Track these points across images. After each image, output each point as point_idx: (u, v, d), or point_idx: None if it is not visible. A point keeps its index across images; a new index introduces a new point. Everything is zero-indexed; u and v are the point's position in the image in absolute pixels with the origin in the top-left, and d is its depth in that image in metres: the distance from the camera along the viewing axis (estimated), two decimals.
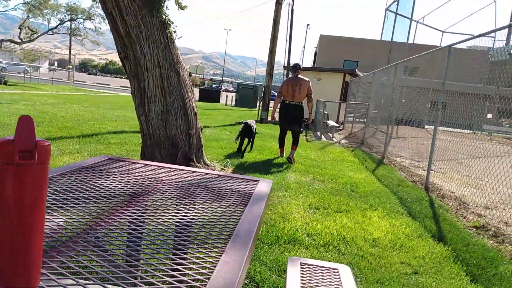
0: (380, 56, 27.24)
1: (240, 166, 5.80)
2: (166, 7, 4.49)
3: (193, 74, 33.88)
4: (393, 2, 24.13)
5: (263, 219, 3.62)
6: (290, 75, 7.07)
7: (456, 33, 25.10)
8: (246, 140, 7.10)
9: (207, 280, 0.79)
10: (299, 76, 6.74)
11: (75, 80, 30.38)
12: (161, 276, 0.81)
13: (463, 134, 10.03)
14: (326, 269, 1.73)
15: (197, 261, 0.89)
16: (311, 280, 1.61)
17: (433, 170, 7.22)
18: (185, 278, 0.80)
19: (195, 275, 0.82)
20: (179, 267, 0.85)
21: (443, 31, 26.51)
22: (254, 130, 7.12)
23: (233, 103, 26.24)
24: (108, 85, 38.98)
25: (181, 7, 4.86)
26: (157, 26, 4.26)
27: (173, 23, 4.42)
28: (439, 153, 7.97)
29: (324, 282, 1.60)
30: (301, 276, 1.63)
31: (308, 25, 46.60)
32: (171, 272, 0.82)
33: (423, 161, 7.98)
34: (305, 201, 4.39)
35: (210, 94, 27.66)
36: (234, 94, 27.94)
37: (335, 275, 1.68)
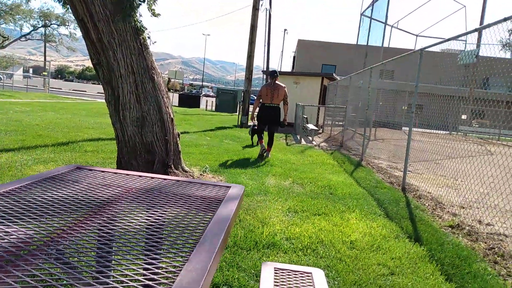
0: (357, 60, 27.67)
1: (219, 171, 5.77)
2: (140, 14, 4.45)
3: (172, 80, 33.63)
4: (368, 7, 24.60)
5: (238, 224, 3.60)
6: (269, 76, 7.76)
7: (429, 37, 25.77)
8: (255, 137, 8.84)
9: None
10: (277, 82, 7.49)
11: (50, 87, 29.72)
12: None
13: (440, 135, 10.25)
14: (300, 273, 1.73)
15: (159, 271, 0.87)
16: (284, 285, 1.60)
17: (410, 171, 7.36)
18: None
19: (156, 285, 0.80)
20: (140, 277, 0.83)
21: (417, 35, 27.15)
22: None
23: (213, 108, 26.16)
24: (85, 91, 38.32)
25: (155, 14, 4.81)
26: (130, 32, 4.21)
27: (146, 29, 4.38)
28: (416, 154, 8.13)
29: (297, 287, 1.60)
30: (275, 281, 1.62)
31: (285, 30, 47.03)
32: (130, 283, 0.80)
33: (400, 163, 8.12)
34: (284, 205, 4.39)
35: (190, 99, 27.52)
36: (214, 99, 27.86)
37: (309, 279, 1.67)
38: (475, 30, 4.12)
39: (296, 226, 3.70)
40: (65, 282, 0.82)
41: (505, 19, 3.45)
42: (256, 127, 7.92)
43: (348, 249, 3.27)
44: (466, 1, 25.04)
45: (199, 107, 27.59)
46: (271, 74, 7.55)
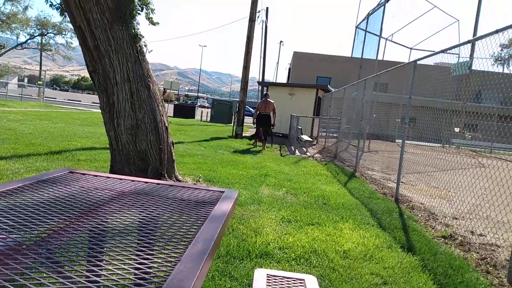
0: (351, 73, 27.94)
1: (213, 181, 5.76)
2: (137, 22, 4.48)
3: (168, 90, 33.69)
4: (363, 20, 24.94)
5: (231, 233, 3.59)
6: (263, 96, 12.60)
7: (423, 50, 26.06)
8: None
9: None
10: (268, 99, 12.08)
11: (45, 97, 29.62)
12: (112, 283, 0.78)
13: (433, 148, 10.33)
14: (293, 280, 1.72)
15: (151, 270, 0.87)
16: None
17: (403, 182, 7.39)
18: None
19: (147, 284, 0.80)
20: (130, 276, 0.83)
21: (411, 48, 27.51)
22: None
23: (208, 118, 26.19)
24: (80, 101, 38.21)
25: (153, 22, 4.86)
26: (127, 40, 4.23)
27: (143, 37, 4.41)
28: (409, 166, 8.17)
29: None
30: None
31: (281, 41, 47.45)
32: (120, 282, 0.80)
33: (393, 174, 8.15)
34: (278, 214, 4.38)
35: (185, 110, 27.55)
36: (209, 110, 27.92)
37: (301, 285, 1.67)
38: (468, 41, 4.19)
39: (290, 236, 3.69)
40: (53, 280, 0.82)
41: (496, 31, 3.53)
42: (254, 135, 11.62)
43: (341, 259, 3.27)
44: (460, 16, 25.49)
45: (194, 117, 27.60)
46: (265, 95, 12.61)
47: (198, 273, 0.86)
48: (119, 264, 0.91)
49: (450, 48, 4.61)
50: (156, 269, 0.89)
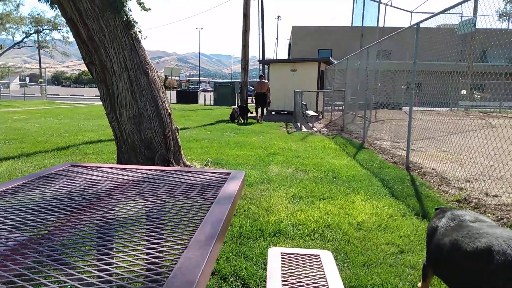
0: (353, 42, 27.42)
1: (221, 163, 5.74)
2: (129, 8, 4.37)
3: (169, 77, 33.50)
4: None
5: (243, 213, 3.57)
6: (259, 77, 14.63)
7: (425, 13, 25.39)
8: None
9: (164, 280, 0.73)
10: (263, 80, 14.13)
11: (48, 94, 29.63)
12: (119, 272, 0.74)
13: (441, 112, 10.19)
14: (308, 256, 1.69)
15: (156, 260, 0.83)
16: (292, 268, 1.56)
17: (413, 149, 7.30)
18: (140, 280, 0.74)
19: (152, 275, 0.76)
20: (140, 262, 0.79)
21: (411, 12, 26.83)
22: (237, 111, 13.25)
23: (212, 102, 26.07)
24: (83, 95, 38.25)
25: (144, 8, 4.74)
26: (121, 28, 4.14)
27: (137, 23, 4.30)
28: (418, 132, 8.06)
29: (306, 269, 1.56)
30: (282, 266, 1.58)
31: (278, 16, 46.58)
32: (129, 269, 0.76)
33: (402, 142, 8.05)
34: (288, 192, 4.36)
35: (188, 96, 27.45)
36: (212, 93, 27.77)
37: (317, 261, 1.64)
38: None
39: (302, 212, 3.67)
40: (53, 278, 0.78)
41: None
42: (238, 109, 13.19)
43: (355, 231, 3.24)
44: None
45: (197, 102, 27.50)
46: (260, 77, 14.49)
47: (206, 259, 0.81)
48: (129, 251, 0.88)
49: (453, 7, 4.45)
50: (163, 258, 0.85)
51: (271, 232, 3.16)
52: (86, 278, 0.76)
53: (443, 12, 4.66)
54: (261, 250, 2.78)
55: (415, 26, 5.49)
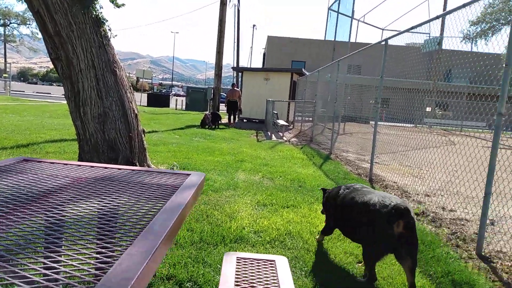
0: (325, 56, 27.98)
1: (188, 168, 5.67)
2: (100, 6, 4.28)
3: (140, 79, 32.97)
4: (335, 1, 24.90)
5: (206, 219, 3.54)
6: (231, 86, 15.38)
7: (395, 31, 26.39)
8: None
9: (103, 275, 0.71)
10: (235, 88, 14.72)
11: (13, 90, 28.43)
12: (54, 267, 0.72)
13: (406, 128, 10.53)
14: (263, 262, 1.69)
15: (98, 256, 0.81)
16: (246, 273, 1.56)
17: (377, 162, 7.49)
18: (85, 267, 0.72)
19: (91, 269, 0.74)
20: (74, 261, 0.77)
21: (383, 29, 27.75)
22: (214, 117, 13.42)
23: (184, 107, 25.82)
24: (50, 93, 36.94)
25: (117, 5, 4.65)
26: (90, 25, 4.05)
27: (107, 20, 4.22)
28: (383, 146, 8.29)
29: (260, 274, 1.56)
30: (237, 271, 1.58)
31: (254, 25, 46.98)
32: (69, 263, 0.74)
33: (367, 155, 8.25)
34: (253, 199, 4.36)
35: (159, 99, 27.05)
36: (184, 98, 27.50)
37: (272, 266, 1.64)
38: (437, 17, 4.23)
39: (265, 219, 3.68)
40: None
41: (464, 5, 3.55)
42: (209, 115, 13.21)
43: (316, 240, 3.27)
44: None
45: (169, 106, 27.16)
46: (232, 85, 15.31)
47: (149, 257, 0.80)
48: (72, 247, 0.85)
49: (420, 25, 4.64)
50: (104, 254, 0.83)
51: (232, 238, 3.15)
52: (30, 276, 0.73)
53: (410, 29, 4.85)
54: (221, 256, 2.76)
55: (383, 42, 5.68)
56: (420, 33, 5.79)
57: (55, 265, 0.77)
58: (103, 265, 0.77)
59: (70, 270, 0.75)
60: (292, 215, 3.85)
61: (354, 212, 2.59)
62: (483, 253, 3.28)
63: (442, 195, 5.31)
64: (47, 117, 12.06)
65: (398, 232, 2.22)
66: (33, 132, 8.30)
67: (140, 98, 22.02)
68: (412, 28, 4.79)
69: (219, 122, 13.44)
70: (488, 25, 23.94)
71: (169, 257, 2.66)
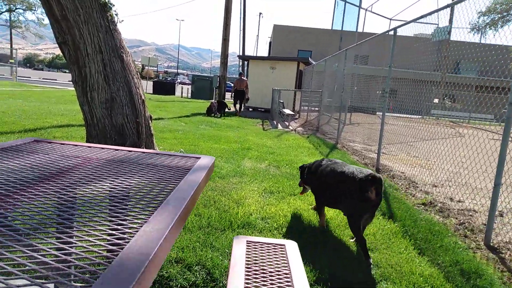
0: (332, 45, 27.74)
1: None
2: None
3: (146, 67, 32.89)
4: None
5: (213, 205, 3.54)
6: (238, 75, 15.38)
7: (403, 21, 26.03)
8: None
9: (120, 250, 0.70)
10: (242, 77, 14.66)
11: (19, 76, 28.48)
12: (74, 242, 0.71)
13: (413, 119, 10.45)
14: (273, 246, 1.68)
15: (114, 232, 0.80)
16: (256, 257, 1.55)
17: (384, 153, 7.46)
18: (95, 249, 0.71)
19: (107, 245, 0.73)
20: (90, 238, 0.75)
21: (390, 19, 27.38)
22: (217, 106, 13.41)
23: (189, 95, 25.78)
24: (56, 80, 37.01)
25: None
26: (97, 9, 4.01)
27: (113, 5, 4.18)
28: (390, 137, 8.24)
29: (270, 258, 1.55)
30: (247, 254, 1.57)
31: (260, 13, 46.55)
32: (79, 244, 0.73)
33: (374, 145, 8.21)
34: (260, 186, 4.35)
35: (165, 87, 27.01)
36: (190, 86, 27.43)
37: (282, 250, 1.63)
38: (447, 6, 4.15)
39: (272, 206, 3.67)
40: (12, 249, 0.74)
41: None
42: (216, 103, 13.33)
43: (323, 227, 3.27)
44: None
45: (174, 94, 27.14)
46: (239, 75, 15.25)
47: (166, 234, 0.79)
48: (88, 223, 0.84)
49: (430, 14, 4.55)
50: (120, 231, 0.82)
51: (239, 224, 3.15)
52: (39, 256, 0.72)
53: (419, 18, 4.77)
54: (228, 241, 2.77)
55: (392, 31, 5.60)
56: (429, 23, 5.70)
57: (70, 240, 0.76)
58: (119, 241, 0.76)
59: (87, 245, 0.74)
60: (299, 203, 3.84)
61: (336, 179, 2.95)
62: (491, 244, 3.26)
63: (450, 186, 5.27)
64: (53, 103, 12.09)
65: (373, 196, 2.63)
66: (40, 117, 8.32)
67: (146, 86, 21.96)
68: (421, 17, 4.70)
69: (225, 110, 13.47)
70: (498, 15, 23.58)
71: (177, 241, 2.67)
